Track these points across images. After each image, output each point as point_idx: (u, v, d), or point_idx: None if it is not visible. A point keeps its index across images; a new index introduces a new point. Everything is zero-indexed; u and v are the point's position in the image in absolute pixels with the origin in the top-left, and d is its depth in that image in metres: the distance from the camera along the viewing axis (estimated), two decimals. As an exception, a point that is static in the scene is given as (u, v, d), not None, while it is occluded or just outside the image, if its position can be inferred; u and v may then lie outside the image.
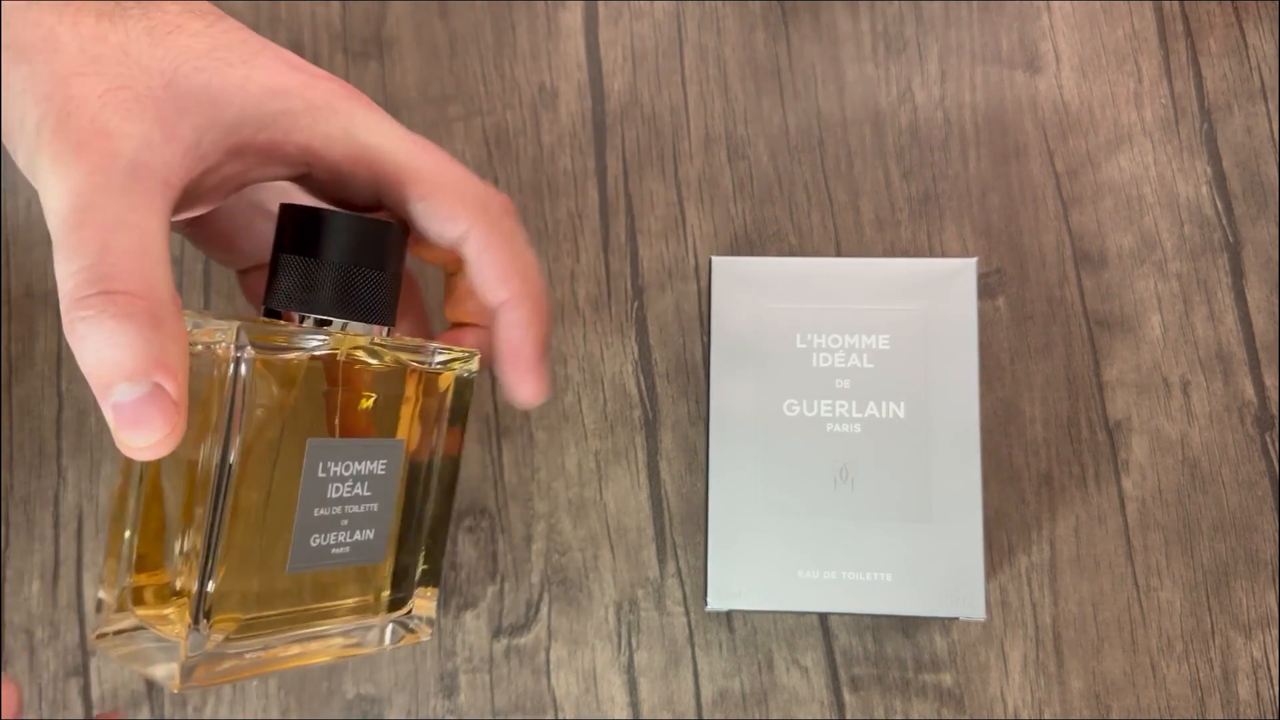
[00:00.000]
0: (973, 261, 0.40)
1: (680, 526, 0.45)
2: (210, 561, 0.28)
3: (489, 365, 0.34)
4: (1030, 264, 0.46)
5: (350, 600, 0.33)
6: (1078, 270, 0.46)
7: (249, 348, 0.28)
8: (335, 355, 0.30)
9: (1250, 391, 0.45)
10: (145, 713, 0.43)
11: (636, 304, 0.46)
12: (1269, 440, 0.45)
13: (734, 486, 0.39)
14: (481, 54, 0.48)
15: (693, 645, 0.44)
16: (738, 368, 0.40)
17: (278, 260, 0.30)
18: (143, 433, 0.24)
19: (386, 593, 0.34)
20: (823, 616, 0.44)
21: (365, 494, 0.31)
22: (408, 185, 0.30)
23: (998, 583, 0.44)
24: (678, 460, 0.45)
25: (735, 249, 0.47)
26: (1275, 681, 0.43)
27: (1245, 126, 0.47)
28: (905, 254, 0.46)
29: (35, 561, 0.45)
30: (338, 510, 0.30)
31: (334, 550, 0.31)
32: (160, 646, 0.29)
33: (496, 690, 0.43)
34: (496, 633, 0.44)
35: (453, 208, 0.30)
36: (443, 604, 0.44)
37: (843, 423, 0.39)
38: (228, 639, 0.29)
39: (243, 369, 0.28)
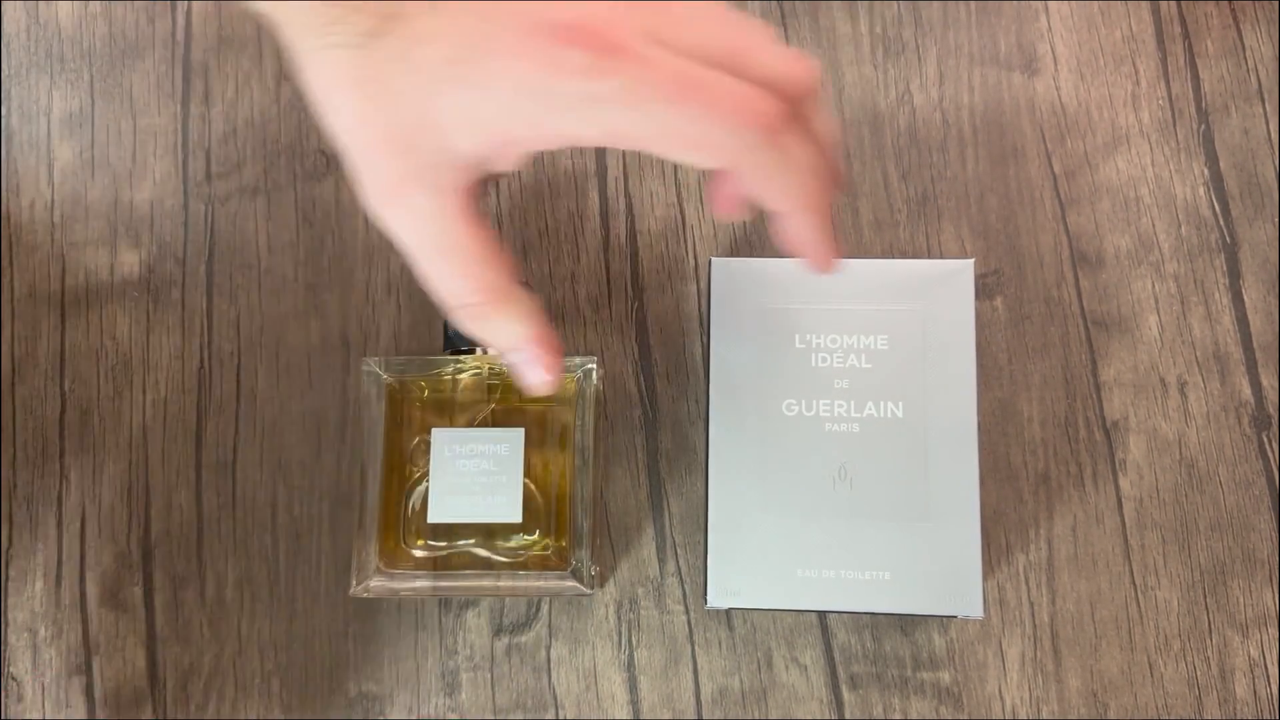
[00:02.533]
0: (970, 262, 0.40)
1: (680, 526, 0.45)
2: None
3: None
4: (1028, 265, 0.46)
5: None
6: (1075, 271, 0.46)
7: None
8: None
9: (1247, 391, 0.45)
10: (148, 711, 0.44)
11: (636, 304, 0.47)
12: (1266, 440, 0.45)
13: (733, 486, 0.39)
14: (482, 56, 0.49)
15: (692, 643, 0.44)
16: (737, 368, 0.40)
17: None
18: (524, 382, 0.33)
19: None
20: (821, 615, 0.44)
21: (490, 469, 0.41)
22: (661, 152, 0.29)
23: (995, 581, 0.44)
24: (678, 460, 0.45)
25: (735, 249, 0.47)
26: (1272, 680, 0.43)
27: (1242, 128, 0.47)
28: (904, 255, 0.47)
29: (38, 560, 0.45)
30: (466, 479, 0.41)
31: (468, 508, 0.41)
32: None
33: (498, 688, 0.44)
34: (498, 631, 0.44)
35: (702, 162, 0.30)
36: (443, 602, 0.44)
37: (841, 422, 0.40)
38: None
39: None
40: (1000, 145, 0.47)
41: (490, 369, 0.42)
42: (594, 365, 0.42)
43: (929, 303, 0.40)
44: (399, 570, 0.41)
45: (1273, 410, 0.45)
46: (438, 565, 0.42)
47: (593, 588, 0.41)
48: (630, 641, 0.44)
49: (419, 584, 0.41)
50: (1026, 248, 0.47)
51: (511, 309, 0.32)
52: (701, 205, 0.47)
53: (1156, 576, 0.44)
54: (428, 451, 0.41)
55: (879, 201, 0.47)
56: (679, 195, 0.47)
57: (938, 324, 0.40)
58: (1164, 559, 0.44)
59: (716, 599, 0.39)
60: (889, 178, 0.47)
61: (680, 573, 0.44)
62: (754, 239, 0.47)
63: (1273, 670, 0.43)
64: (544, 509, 0.42)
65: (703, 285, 0.47)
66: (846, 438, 0.39)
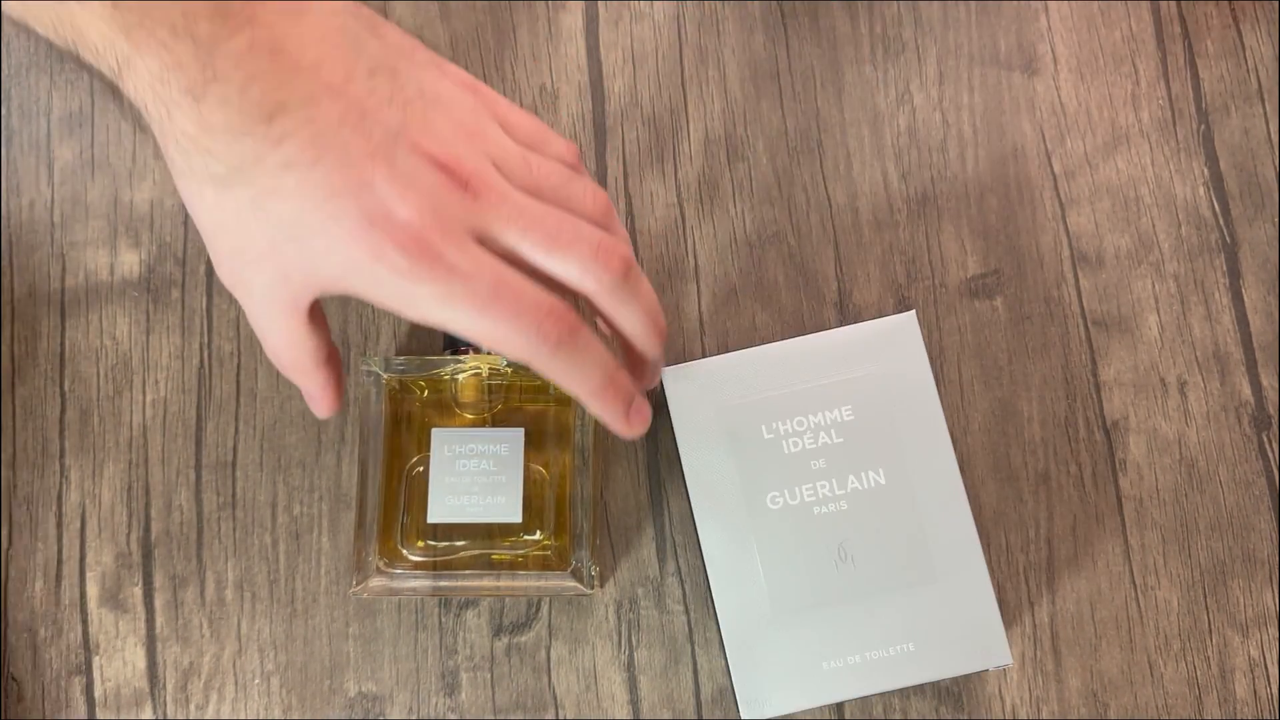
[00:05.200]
0: (912, 314, 0.40)
1: (680, 526, 0.45)
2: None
3: None
4: (1028, 265, 0.46)
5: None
6: (1075, 271, 0.46)
7: None
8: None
9: (1247, 391, 0.45)
10: (147, 711, 0.44)
11: (636, 304, 0.47)
12: (1266, 440, 0.45)
13: (738, 593, 0.39)
14: (482, 55, 0.49)
15: (692, 643, 0.44)
16: (713, 473, 0.40)
17: None
18: (314, 407, 0.40)
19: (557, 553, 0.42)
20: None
21: (490, 469, 0.41)
22: (472, 335, 0.34)
23: (996, 581, 0.44)
24: (678, 460, 0.45)
25: (735, 249, 0.47)
26: (1272, 680, 0.43)
27: (1242, 128, 0.47)
28: (903, 255, 0.47)
29: (38, 561, 0.45)
30: (466, 479, 0.41)
31: (468, 508, 0.41)
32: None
33: (498, 688, 0.44)
34: (498, 631, 0.44)
35: (512, 354, 0.34)
36: (444, 602, 0.44)
37: (828, 503, 0.39)
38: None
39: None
40: (1000, 145, 0.47)
41: (491, 369, 0.42)
42: None
43: (882, 363, 0.40)
44: (398, 570, 0.41)
45: (1273, 410, 0.45)
46: (438, 565, 0.42)
47: (593, 588, 0.41)
48: (630, 641, 0.44)
49: (418, 584, 0.41)
50: (1026, 247, 0.47)
51: (305, 380, 0.38)
52: (701, 205, 0.47)
53: (1156, 576, 0.44)
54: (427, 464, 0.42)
55: (879, 201, 0.47)
56: (679, 195, 0.47)
57: (897, 382, 0.40)
58: (1164, 559, 0.44)
59: (749, 711, 0.38)
60: (889, 177, 0.47)
61: (680, 573, 0.44)
62: (753, 240, 0.47)
63: (1273, 670, 0.43)
64: (544, 509, 0.42)
65: (702, 286, 0.47)
66: (837, 517, 0.39)
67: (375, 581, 0.41)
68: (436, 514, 0.41)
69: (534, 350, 0.34)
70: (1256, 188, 0.47)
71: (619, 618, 0.44)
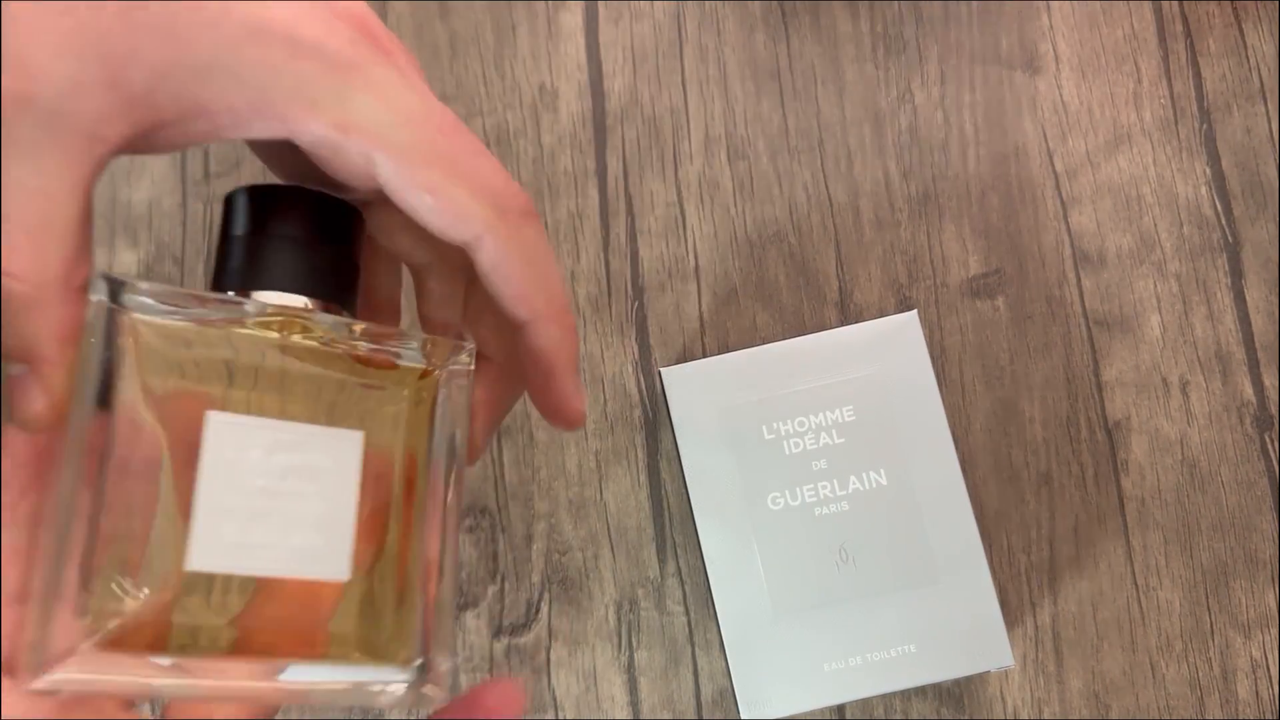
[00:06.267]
0: (913, 314, 0.40)
1: (680, 526, 0.45)
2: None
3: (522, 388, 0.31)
4: (1030, 264, 0.46)
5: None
6: (1077, 270, 0.46)
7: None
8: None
9: (1249, 391, 0.45)
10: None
11: (636, 304, 0.46)
12: (1268, 440, 0.45)
13: (739, 594, 0.38)
14: (482, 54, 0.49)
15: (693, 644, 0.44)
16: (714, 473, 0.39)
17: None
18: (15, 409, 0.23)
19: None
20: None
21: (305, 488, 0.24)
22: (412, 172, 0.23)
23: (997, 582, 0.44)
24: (677, 460, 0.45)
25: (735, 249, 0.47)
26: (1274, 681, 0.43)
27: (1244, 127, 0.47)
28: (904, 254, 0.46)
29: (37, 561, 0.45)
30: (262, 502, 0.24)
31: (260, 551, 0.24)
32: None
33: (497, 690, 0.44)
34: (497, 632, 0.44)
35: (465, 206, 0.24)
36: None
37: (829, 504, 0.39)
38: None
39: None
40: (1002, 144, 0.47)
41: (300, 325, 0.26)
42: (468, 349, 0.27)
43: (884, 363, 0.39)
44: (101, 647, 0.23)
45: (1275, 410, 0.45)
46: (171, 633, 0.23)
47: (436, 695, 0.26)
48: (630, 643, 0.44)
49: (128, 677, 0.23)
50: (1028, 247, 0.46)
51: (52, 314, 0.22)
52: (702, 205, 0.47)
53: (1158, 577, 0.44)
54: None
55: (880, 200, 0.47)
56: (679, 195, 0.47)
57: (898, 382, 0.39)
58: (1166, 559, 0.44)
59: (749, 711, 0.38)
60: (890, 176, 0.47)
61: (680, 573, 0.44)
62: (754, 239, 0.47)
63: (1275, 671, 0.43)
64: (383, 562, 0.26)
65: (703, 285, 0.46)
66: (839, 518, 0.39)
67: (66, 669, 0.22)
68: (201, 557, 0.23)
69: (497, 216, 0.24)
70: (1259, 187, 0.47)
71: (619, 619, 0.44)
